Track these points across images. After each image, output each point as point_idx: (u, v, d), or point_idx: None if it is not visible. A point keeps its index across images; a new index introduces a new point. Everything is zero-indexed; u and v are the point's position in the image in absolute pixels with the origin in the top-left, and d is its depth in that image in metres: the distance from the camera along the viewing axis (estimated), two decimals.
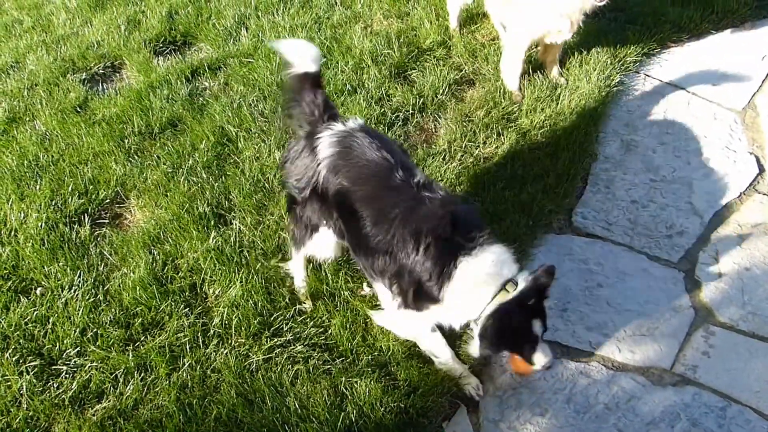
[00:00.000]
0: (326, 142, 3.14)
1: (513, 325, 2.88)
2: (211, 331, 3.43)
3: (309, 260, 3.59)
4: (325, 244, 3.36)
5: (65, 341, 3.40)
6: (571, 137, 4.32)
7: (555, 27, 4.39)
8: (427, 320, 3.13)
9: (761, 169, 4.14)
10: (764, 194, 4.02)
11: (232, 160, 4.39)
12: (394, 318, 3.26)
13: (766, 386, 3.12)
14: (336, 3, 5.81)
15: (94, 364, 3.31)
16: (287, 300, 3.53)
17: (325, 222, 3.25)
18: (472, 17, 5.45)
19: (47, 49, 5.70)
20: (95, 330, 3.44)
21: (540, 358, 2.98)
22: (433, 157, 4.24)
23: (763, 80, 4.81)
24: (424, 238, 2.89)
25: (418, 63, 5.06)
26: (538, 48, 4.91)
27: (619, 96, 4.75)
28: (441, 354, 3.25)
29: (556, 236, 3.90)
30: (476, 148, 4.33)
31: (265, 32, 5.48)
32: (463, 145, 4.34)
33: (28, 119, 4.94)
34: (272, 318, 3.44)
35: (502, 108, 4.58)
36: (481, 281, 2.89)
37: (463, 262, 2.88)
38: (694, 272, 3.65)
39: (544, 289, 2.92)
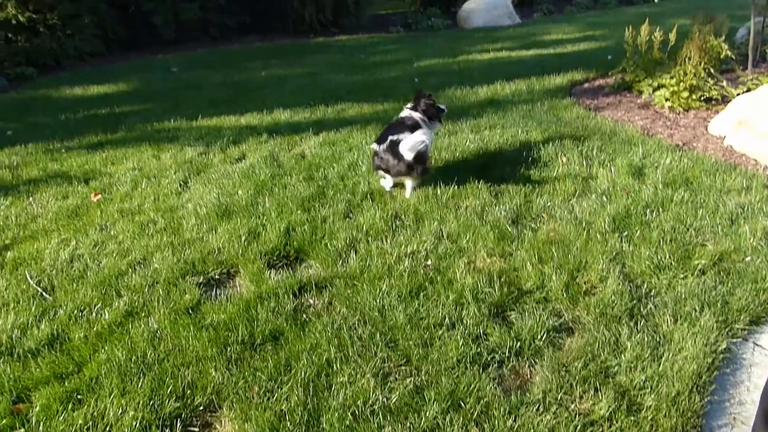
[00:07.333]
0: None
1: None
2: None
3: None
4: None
5: None
6: (674, 404, 4.13)
7: None
8: None
9: None
10: None
11: (326, 383, 4.41)
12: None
13: None
14: (442, 236, 6.13)
15: None
16: None
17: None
18: (578, 266, 5.57)
19: (173, 250, 6.21)
20: None
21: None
22: (526, 407, 4.14)
23: None
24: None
25: (517, 304, 5.14)
26: None
27: (726, 364, 4.58)
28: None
29: None
30: (572, 402, 4.20)
31: (373, 258, 5.79)
32: (559, 397, 4.23)
33: (143, 315, 5.27)
34: None
35: (601, 362, 4.50)
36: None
37: None
38: None
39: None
